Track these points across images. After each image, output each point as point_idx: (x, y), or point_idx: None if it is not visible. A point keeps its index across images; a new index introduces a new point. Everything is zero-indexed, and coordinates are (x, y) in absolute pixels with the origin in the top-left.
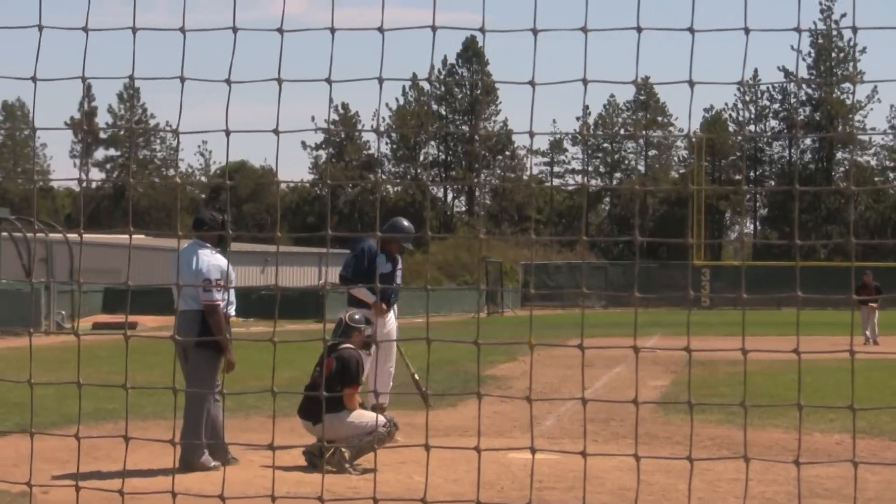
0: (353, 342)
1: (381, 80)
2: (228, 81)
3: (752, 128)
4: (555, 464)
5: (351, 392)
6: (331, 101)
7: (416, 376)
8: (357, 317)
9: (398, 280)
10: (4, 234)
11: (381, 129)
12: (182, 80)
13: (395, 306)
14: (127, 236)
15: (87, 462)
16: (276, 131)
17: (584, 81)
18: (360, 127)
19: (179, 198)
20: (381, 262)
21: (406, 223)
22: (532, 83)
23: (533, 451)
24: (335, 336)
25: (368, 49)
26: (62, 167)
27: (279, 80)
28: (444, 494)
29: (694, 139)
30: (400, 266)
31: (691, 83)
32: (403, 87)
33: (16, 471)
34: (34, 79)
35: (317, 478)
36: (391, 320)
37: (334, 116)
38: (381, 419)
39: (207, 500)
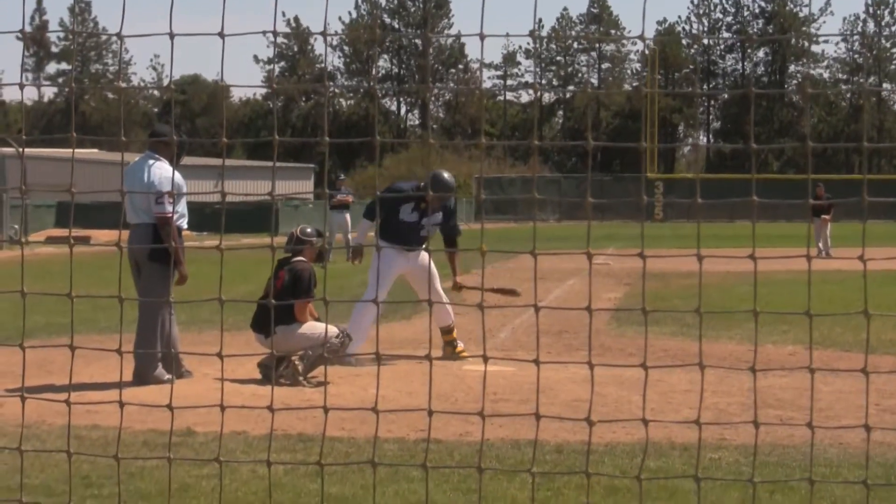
0: (305, 255)
1: None
2: None
3: (706, 41)
4: (510, 376)
5: (302, 304)
6: (276, 9)
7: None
8: (308, 230)
9: (424, 233)
10: None
11: (332, 41)
12: None
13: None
14: (79, 151)
15: (41, 376)
16: (220, 34)
17: None
18: (312, 41)
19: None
20: (406, 211)
21: (446, 176)
22: None
23: (486, 359)
24: (287, 250)
25: None
26: (13, 81)
27: None
28: (400, 407)
29: (647, 49)
30: (439, 219)
31: None
32: (356, 0)
33: None
34: None
35: (271, 391)
36: (422, 255)
37: (286, 30)
38: (334, 330)
39: (163, 413)
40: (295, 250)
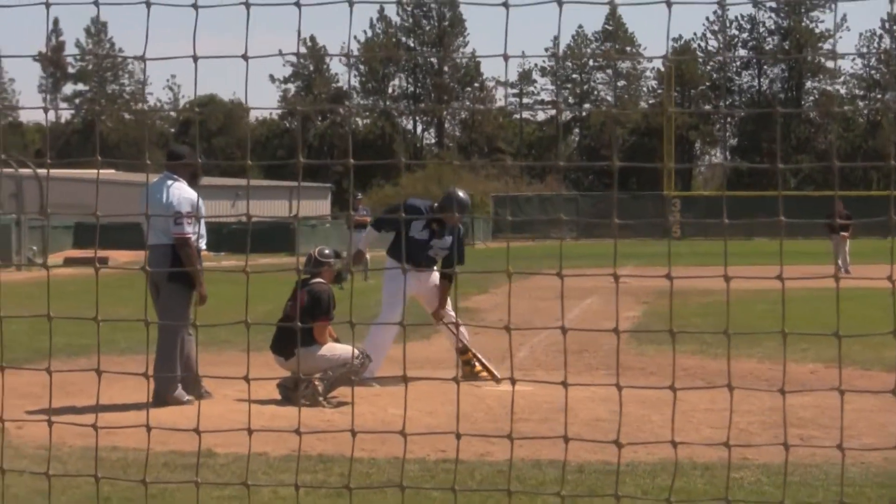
0: (323, 277)
1: (351, 3)
2: (195, 6)
3: (720, 58)
4: (528, 395)
5: (321, 326)
6: (299, 31)
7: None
8: (327, 251)
9: (432, 253)
10: None
11: (351, 59)
12: (148, 3)
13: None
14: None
15: (61, 397)
16: (244, 56)
17: (559, 2)
18: (328, 60)
19: (146, 127)
20: (417, 228)
21: (462, 195)
22: (506, 4)
23: (513, 381)
24: (305, 271)
25: None
26: (31, 103)
27: (247, 4)
28: (420, 427)
29: (664, 66)
30: (448, 243)
31: (669, 3)
32: (371, 20)
33: None
34: None
35: (291, 411)
36: (433, 276)
37: (302, 49)
38: (354, 351)
39: (183, 434)
40: (313, 272)
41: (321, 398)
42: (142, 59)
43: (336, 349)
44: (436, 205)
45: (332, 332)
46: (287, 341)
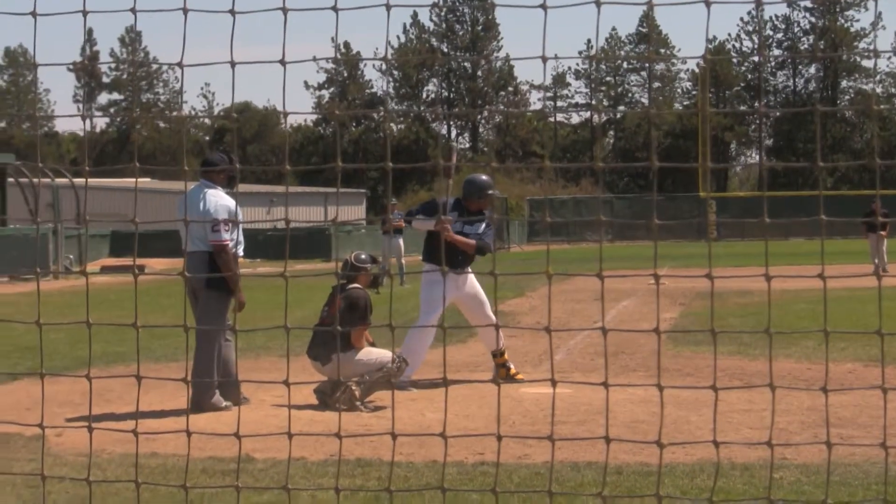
0: (360, 282)
1: (388, 6)
2: (232, 12)
3: (755, 59)
4: (566, 397)
5: (358, 331)
6: (336, 34)
7: None
8: (363, 256)
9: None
10: (11, 179)
11: (386, 64)
12: (185, 10)
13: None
14: (133, 180)
15: (100, 405)
16: (282, 62)
17: (597, 2)
18: (362, 66)
19: (185, 134)
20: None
21: (484, 177)
22: (544, 6)
23: (553, 382)
24: (342, 277)
25: None
26: (65, 113)
27: (284, 10)
28: (457, 430)
29: (698, 68)
30: (480, 230)
31: (707, 2)
32: (404, 25)
33: (29, 414)
34: (34, 14)
35: (328, 416)
36: (471, 282)
37: (336, 55)
38: (390, 355)
39: (220, 440)
40: (349, 277)
41: (358, 402)
42: (179, 65)
43: (373, 354)
44: (460, 197)
45: (368, 336)
46: (324, 346)
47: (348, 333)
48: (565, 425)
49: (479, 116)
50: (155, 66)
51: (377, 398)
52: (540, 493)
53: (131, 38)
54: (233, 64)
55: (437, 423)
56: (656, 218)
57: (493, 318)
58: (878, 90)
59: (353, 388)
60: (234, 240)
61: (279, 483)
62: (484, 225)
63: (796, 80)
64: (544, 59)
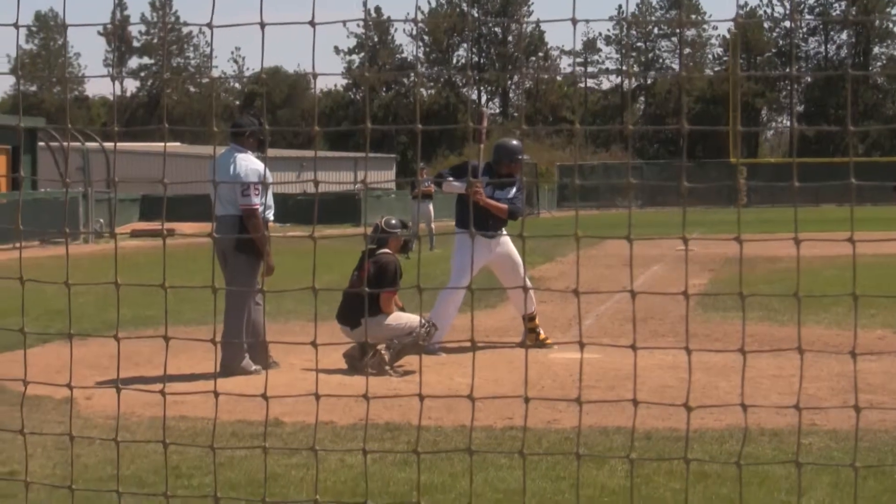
0: (390, 247)
1: None
2: None
3: (787, 24)
4: (595, 363)
5: (387, 296)
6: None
7: None
8: (393, 221)
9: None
10: (41, 143)
11: (413, 30)
12: None
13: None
14: (162, 144)
15: (129, 368)
16: (311, 23)
17: None
18: (392, 31)
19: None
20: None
21: (514, 142)
22: None
23: (581, 345)
24: (372, 242)
25: None
26: (99, 74)
27: None
28: (486, 395)
29: (729, 33)
30: (511, 195)
31: None
32: None
33: (58, 377)
34: None
35: (357, 380)
36: (504, 243)
37: (367, 19)
38: (419, 320)
39: (250, 404)
40: (380, 241)
41: (387, 367)
42: (209, 25)
43: (402, 318)
44: (491, 162)
45: (398, 301)
46: (353, 311)
47: (377, 298)
48: (595, 390)
49: (509, 81)
50: (185, 30)
51: (406, 363)
52: (568, 456)
53: (161, 2)
54: (262, 25)
55: (465, 388)
56: (686, 185)
57: (527, 281)
58: None
59: (383, 352)
60: (263, 204)
61: (307, 446)
62: (514, 189)
63: (828, 46)
64: (574, 22)
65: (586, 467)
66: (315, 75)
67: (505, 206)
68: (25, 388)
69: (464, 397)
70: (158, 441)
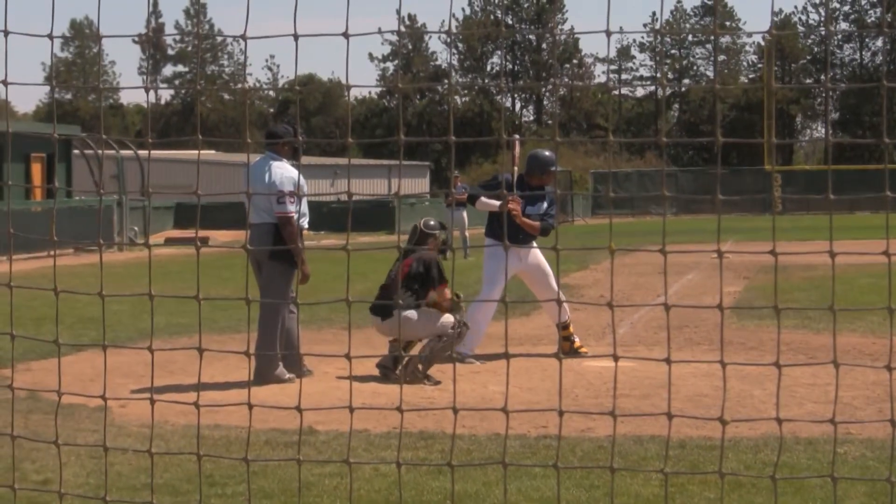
0: (429, 248)
1: None
2: None
3: (822, 29)
4: (629, 371)
5: (441, 290)
6: (400, 6)
7: None
8: (432, 223)
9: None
10: (76, 151)
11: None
12: None
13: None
14: (197, 152)
15: (163, 376)
16: (345, 35)
17: None
18: (427, 39)
19: (247, 106)
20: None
21: (547, 153)
22: None
23: (616, 358)
24: (410, 244)
25: None
26: (131, 85)
27: None
28: (519, 403)
29: (763, 41)
30: (543, 209)
31: None
32: None
33: (92, 385)
34: None
35: (391, 389)
36: (534, 253)
37: (401, 28)
38: (451, 319)
39: (283, 411)
40: (419, 242)
41: (421, 374)
42: (242, 37)
43: (433, 316)
44: (523, 173)
45: (454, 293)
46: (387, 304)
47: (412, 293)
48: (629, 399)
49: (543, 89)
50: (220, 39)
51: (438, 371)
52: (602, 468)
53: (196, 10)
54: (296, 37)
55: (499, 396)
56: (720, 193)
57: (558, 289)
58: None
59: (418, 364)
60: (298, 212)
61: (341, 455)
62: (546, 204)
63: (863, 52)
64: (608, 34)
65: (620, 476)
66: (349, 87)
67: (538, 224)
68: (60, 399)
69: (497, 410)
70: (192, 453)
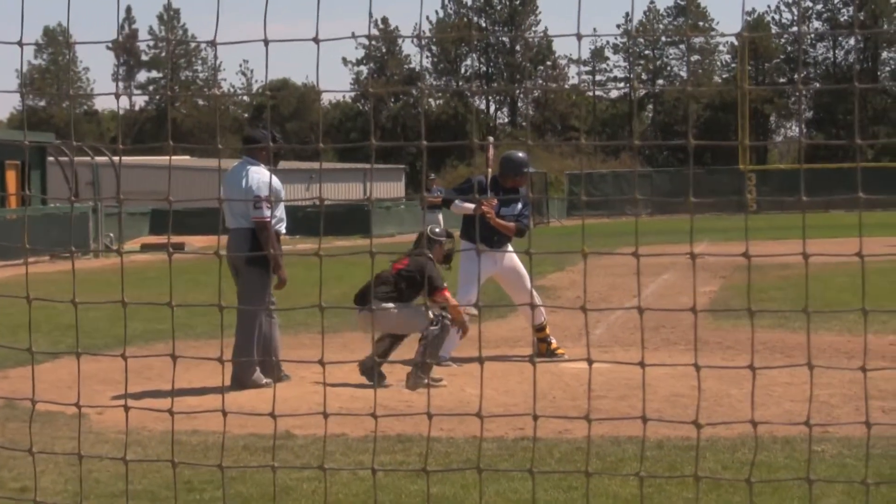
0: (434, 255)
1: None
2: None
3: (794, 29)
4: (606, 372)
5: (442, 292)
6: (370, 9)
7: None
8: (437, 230)
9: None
10: (51, 158)
11: (420, 42)
12: None
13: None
14: (172, 157)
15: (140, 382)
16: (315, 39)
17: None
18: (400, 42)
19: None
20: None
21: (520, 155)
22: None
23: (590, 362)
24: (416, 252)
25: None
26: (105, 91)
27: None
28: (496, 406)
29: (737, 41)
30: (517, 211)
31: None
32: (443, 0)
33: (70, 392)
34: None
35: (369, 393)
36: (509, 256)
37: (374, 31)
38: (430, 316)
39: (258, 418)
40: (425, 249)
41: (425, 380)
42: (212, 43)
43: (413, 311)
44: (496, 175)
45: (453, 301)
46: (368, 294)
47: (398, 287)
48: (606, 400)
49: (517, 91)
50: (192, 45)
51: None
52: (578, 473)
53: (169, 16)
54: (266, 42)
55: (476, 399)
56: (695, 193)
57: (534, 292)
58: None
59: (420, 373)
60: (276, 217)
61: (319, 460)
62: (521, 205)
63: (836, 51)
64: (579, 37)
65: (598, 476)
66: (320, 91)
67: (513, 225)
68: (34, 407)
69: (472, 415)
70: (167, 460)
